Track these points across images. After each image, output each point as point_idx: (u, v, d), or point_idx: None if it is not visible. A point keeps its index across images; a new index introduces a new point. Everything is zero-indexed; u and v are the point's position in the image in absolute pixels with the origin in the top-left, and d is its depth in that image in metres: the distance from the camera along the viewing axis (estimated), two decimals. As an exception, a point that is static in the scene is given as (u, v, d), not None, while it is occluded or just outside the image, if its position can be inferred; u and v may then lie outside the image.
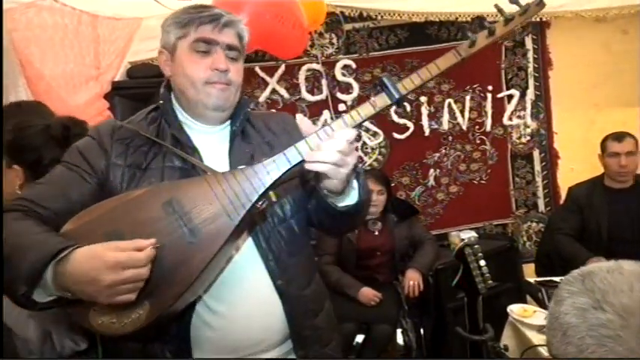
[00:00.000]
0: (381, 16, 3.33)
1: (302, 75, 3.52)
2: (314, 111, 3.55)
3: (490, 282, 1.69)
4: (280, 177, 1.06)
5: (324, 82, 3.53)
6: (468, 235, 3.51)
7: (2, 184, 1.38)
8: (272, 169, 1.06)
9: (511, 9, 1.13)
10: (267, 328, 1.20)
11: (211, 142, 1.25)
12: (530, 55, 3.67)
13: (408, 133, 3.62)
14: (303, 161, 1.05)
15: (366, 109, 1.09)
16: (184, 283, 1.00)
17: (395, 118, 3.61)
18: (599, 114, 3.64)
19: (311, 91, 3.54)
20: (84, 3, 2.75)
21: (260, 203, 1.08)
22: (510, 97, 3.69)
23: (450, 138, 3.69)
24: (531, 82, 3.69)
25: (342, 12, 3.30)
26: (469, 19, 3.37)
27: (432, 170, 3.70)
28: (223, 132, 1.28)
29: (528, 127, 3.72)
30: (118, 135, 1.20)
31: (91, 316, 0.99)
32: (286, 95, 3.53)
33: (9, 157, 1.39)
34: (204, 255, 1.01)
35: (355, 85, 3.57)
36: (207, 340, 1.16)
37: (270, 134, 1.31)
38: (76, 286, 0.95)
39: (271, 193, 1.19)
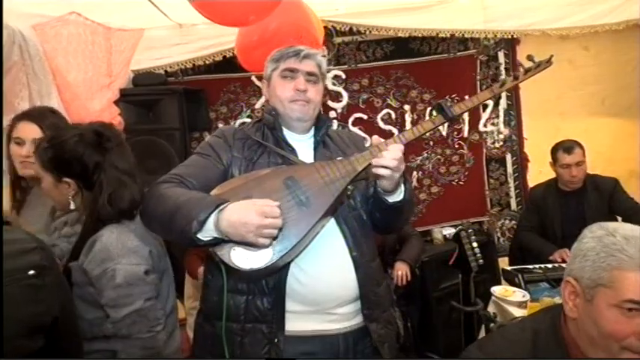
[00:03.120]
0: (369, 31, 3.60)
1: (295, 84, 3.74)
2: (306, 117, 3.78)
3: (481, 261, 2.00)
4: (365, 168, 1.42)
5: (315, 90, 3.77)
6: (448, 231, 3.81)
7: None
8: (361, 160, 1.43)
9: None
10: (343, 287, 1.49)
11: (300, 147, 1.60)
12: (503, 68, 3.96)
13: (393, 139, 3.86)
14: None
15: (428, 125, 1.52)
16: (294, 239, 1.31)
17: (381, 124, 3.88)
18: (564, 122, 3.94)
19: (304, 99, 3.77)
20: (98, 16, 2.95)
21: (349, 187, 1.44)
22: (485, 106, 3.96)
23: (431, 143, 3.97)
24: (503, 92, 4.00)
25: (333, 27, 3.59)
26: (448, 35, 3.67)
27: (414, 172, 3.96)
28: (309, 141, 1.63)
29: (501, 133, 4.01)
30: (237, 136, 1.56)
31: (232, 254, 1.30)
32: (281, 103, 3.74)
33: (57, 172, 1.51)
34: (310, 219, 1.34)
35: (345, 94, 3.84)
36: (297, 293, 1.45)
37: (344, 146, 1.66)
38: (231, 228, 1.26)
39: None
